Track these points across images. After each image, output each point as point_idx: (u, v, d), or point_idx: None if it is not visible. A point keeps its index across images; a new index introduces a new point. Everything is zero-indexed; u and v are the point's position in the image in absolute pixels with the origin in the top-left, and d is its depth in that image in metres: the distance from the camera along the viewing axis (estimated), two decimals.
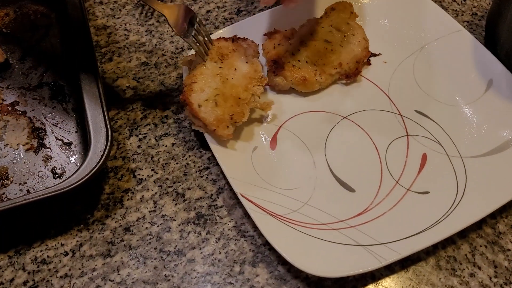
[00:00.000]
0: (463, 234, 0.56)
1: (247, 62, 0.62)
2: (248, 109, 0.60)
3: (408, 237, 0.53)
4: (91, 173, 0.52)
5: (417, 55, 0.69)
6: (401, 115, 0.64)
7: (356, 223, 0.54)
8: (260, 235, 0.54)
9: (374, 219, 0.55)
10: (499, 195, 0.55)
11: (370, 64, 0.68)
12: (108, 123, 0.56)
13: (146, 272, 0.53)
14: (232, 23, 0.75)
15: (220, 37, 0.64)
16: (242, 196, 0.53)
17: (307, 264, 0.50)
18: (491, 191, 0.56)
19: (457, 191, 0.57)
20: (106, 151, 0.54)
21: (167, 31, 0.75)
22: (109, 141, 0.55)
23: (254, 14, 0.77)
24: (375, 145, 0.61)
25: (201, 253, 0.55)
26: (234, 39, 0.64)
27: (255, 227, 0.55)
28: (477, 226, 0.56)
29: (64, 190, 0.51)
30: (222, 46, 0.63)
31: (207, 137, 0.59)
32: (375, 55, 0.69)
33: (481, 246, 0.55)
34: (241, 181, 0.55)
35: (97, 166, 0.52)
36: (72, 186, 0.51)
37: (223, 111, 0.58)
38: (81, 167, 0.52)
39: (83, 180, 0.51)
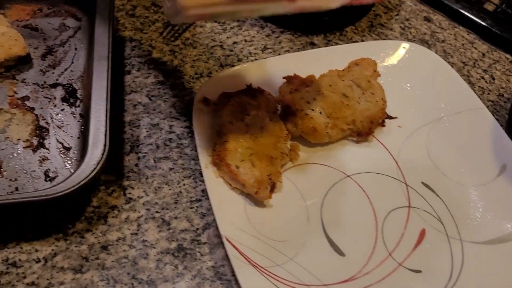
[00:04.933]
0: None
1: (271, 120, 0.61)
2: (281, 167, 0.59)
3: None
4: (78, 185, 0.51)
5: (434, 125, 0.68)
6: (406, 184, 0.62)
7: None
8: (238, 282, 0.52)
9: None
10: None
11: (384, 126, 0.67)
12: (107, 138, 0.55)
13: None
14: (256, 59, 0.75)
15: (238, 91, 0.63)
16: (227, 240, 0.51)
17: None
18: (486, 283, 0.53)
19: (451, 276, 0.54)
20: (100, 165, 0.53)
21: (190, 54, 0.75)
22: (104, 155, 0.54)
23: (279, 54, 0.76)
24: (374, 211, 0.59)
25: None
26: (254, 93, 0.63)
27: (234, 273, 0.53)
28: None
29: (48, 197, 0.50)
30: (244, 102, 0.61)
31: (203, 170, 0.57)
32: (391, 117, 0.68)
33: None
34: (229, 224, 0.53)
35: (87, 179, 0.51)
36: (56, 195, 0.50)
37: (261, 171, 0.56)
38: (70, 177, 0.51)
39: (69, 191, 0.50)
